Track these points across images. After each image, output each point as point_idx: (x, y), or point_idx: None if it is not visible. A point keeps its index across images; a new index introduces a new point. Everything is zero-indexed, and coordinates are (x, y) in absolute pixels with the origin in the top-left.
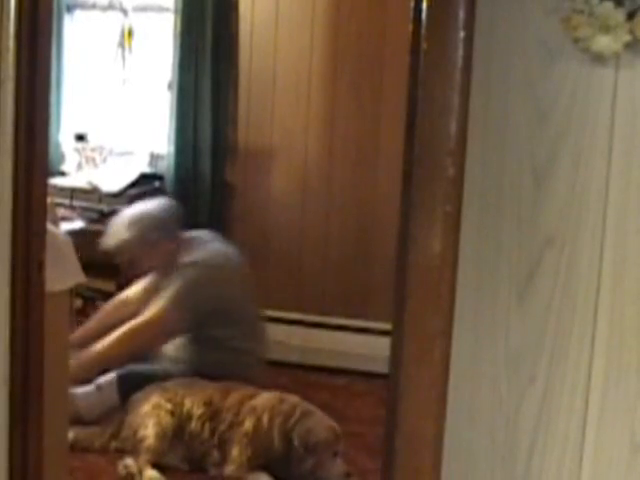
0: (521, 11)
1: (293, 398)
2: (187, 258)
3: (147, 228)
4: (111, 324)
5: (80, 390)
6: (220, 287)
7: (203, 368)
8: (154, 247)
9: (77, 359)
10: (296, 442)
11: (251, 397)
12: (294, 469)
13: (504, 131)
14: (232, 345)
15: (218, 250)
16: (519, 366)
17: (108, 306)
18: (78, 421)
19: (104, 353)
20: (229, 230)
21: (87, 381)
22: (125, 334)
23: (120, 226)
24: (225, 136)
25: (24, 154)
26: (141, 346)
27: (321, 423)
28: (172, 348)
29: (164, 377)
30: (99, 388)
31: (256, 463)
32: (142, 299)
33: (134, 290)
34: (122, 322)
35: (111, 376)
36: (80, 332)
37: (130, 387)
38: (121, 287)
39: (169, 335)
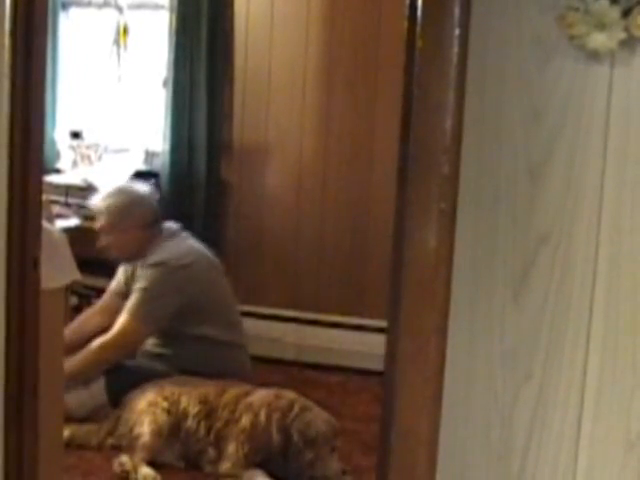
0: (516, 8)
1: (290, 394)
2: (154, 257)
3: (124, 207)
4: (84, 335)
5: (71, 395)
6: (189, 286)
7: (189, 365)
8: (125, 232)
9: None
10: (295, 436)
11: (247, 394)
12: (292, 464)
13: (499, 128)
14: (214, 340)
15: (184, 248)
16: (514, 363)
17: (78, 320)
18: (68, 418)
19: (73, 372)
20: (224, 227)
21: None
22: (93, 352)
23: (104, 194)
24: (220, 134)
25: (19, 151)
26: (109, 361)
27: (319, 417)
28: (156, 345)
29: (152, 373)
30: (86, 384)
31: (253, 460)
32: (110, 305)
33: (103, 298)
34: (93, 332)
35: (100, 380)
36: None
37: (118, 383)
38: None
39: (137, 345)
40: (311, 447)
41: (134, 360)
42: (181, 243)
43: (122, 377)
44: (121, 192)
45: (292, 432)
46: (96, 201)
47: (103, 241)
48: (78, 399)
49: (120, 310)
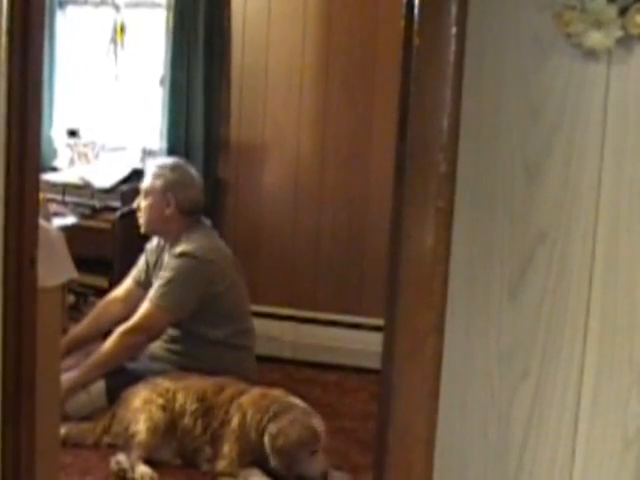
0: (513, 7)
1: (275, 393)
2: (184, 247)
3: (175, 182)
4: (102, 324)
5: (71, 401)
6: (212, 283)
7: (194, 365)
8: (163, 206)
9: (79, 369)
10: (266, 441)
11: (241, 393)
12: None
13: (496, 127)
14: (225, 344)
15: (215, 244)
16: (511, 362)
17: (98, 307)
18: (65, 419)
19: (101, 361)
20: (221, 225)
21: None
22: (118, 339)
23: (162, 161)
24: (217, 132)
25: (16, 150)
26: (135, 347)
27: (296, 422)
28: (162, 346)
29: (153, 375)
30: (89, 396)
31: (246, 460)
32: (131, 293)
33: (123, 286)
34: (113, 320)
35: (100, 384)
36: (72, 335)
37: (118, 386)
38: (113, 283)
39: (160, 332)
40: (279, 454)
41: (134, 363)
42: (210, 239)
43: (122, 380)
44: (179, 168)
45: (265, 436)
46: (152, 163)
47: (140, 202)
48: (77, 402)
49: (141, 298)
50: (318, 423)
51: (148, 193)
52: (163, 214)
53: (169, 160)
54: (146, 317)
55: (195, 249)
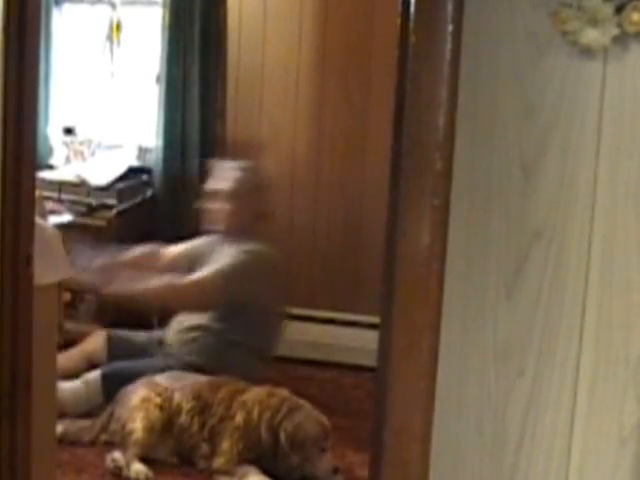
0: (509, 5)
1: (282, 392)
2: (248, 245)
3: (260, 189)
4: (141, 267)
5: (67, 385)
6: (263, 284)
7: (201, 361)
8: (244, 211)
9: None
10: (282, 438)
11: (242, 391)
12: (280, 464)
13: (492, 124)
14: (243, 343)
15: (271, 253)
16: (507, 359)
17: (143, 250)
18: (62, 415)
19: (139, 296)
20: None
21: (75, 376)
22: (159, 286)
23: (243, 164)
24: (213, 130)
25: (12, 147)
26: (168, 302)
27: (309, 418)
28: (177, 334)
29: (150, 373)
30: (86, 384)
31: (246, 457)
32: (177, 260)
33: (172, 250)
34: (152, 272)
35: (96, 373)
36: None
37: (114, 385)
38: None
39: (201, 304)
40: (298, 450)
41: (131, 360)
42: (263, 244)
43: (120, 380)
44: (254, 171)
45: (280, 433)
46: (231, 164)
47: (219, 205)
48: (75, 397)
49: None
50: (326, 421)
51: (229, 196)
52: (243, 221)
53: (247, 164)
54: (198, 283)
55: (260, 250)
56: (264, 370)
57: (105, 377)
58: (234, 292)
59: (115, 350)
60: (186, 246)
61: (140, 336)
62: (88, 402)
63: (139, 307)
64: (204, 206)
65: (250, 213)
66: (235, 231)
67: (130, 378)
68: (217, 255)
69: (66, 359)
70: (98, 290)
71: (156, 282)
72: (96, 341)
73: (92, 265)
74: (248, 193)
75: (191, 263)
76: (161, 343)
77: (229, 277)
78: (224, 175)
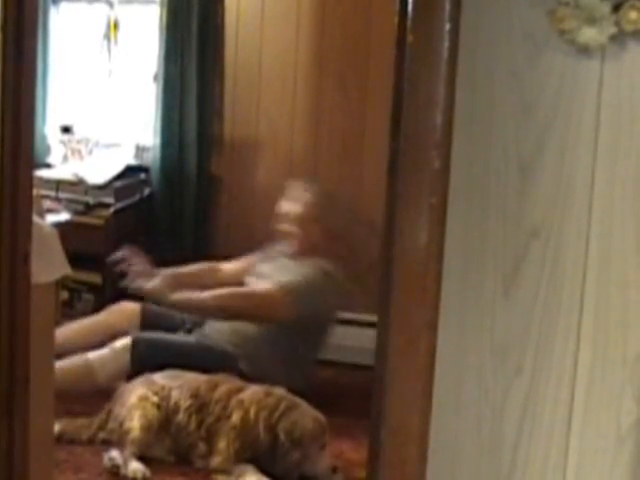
0: (507, 3)
1: (279, 391)
2: (328, 266)
3: (339, 214)
4: (201, 281)
5: (95, 354)
6: (333, 305)
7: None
8: (322, 233)
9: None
10: (281, 436)
11: (239, 390)
12: (280, 463)
13: (490, 123)
14: (295, 357)
15: (339, 273)
16: (505, 358)
17: (200, 266)
18: (92, 387)
19: (195, 302)
20: (214, 222)
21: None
22: (222, 295)
23: (322, 189)
24: (211, 128)
25: (10, 146)
26: (229, 311)
27: (307, 416)
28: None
29: (179, 351)
30: (114, 351)
31: (243, 456)
32: (237, 275)
33: (231, 265)
34: (209, 285)
35: (126, 340)
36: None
37: (143, 353)
38: (106, 279)
39: (267, 316)
40: (298, 447)
41: (165, 334)
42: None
43: (149, 349)
44: (335, 199)
45: (278, 431)
46: (304, 185)
47: (289, 227)
48: (102, 360)
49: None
50: (323, 419)
51: (307, 218)
52: (318, 242)
53: (315, 186)
54: (264, 293)
55: (335, 270)
56: (309, 378)
57: (135, 343)
58: (303, 308)
59: (148, 325)
60: (244, 262)
61: (176, 315)
62: (117, 368)
63: (206, 313)
64: (277, 227)
65: (319, 236)
66: (304, 253)
67: (159, 348)
68: (281, 271)
69: (87, 330)
70: (166, 297)
71: (224, 290)
72: (124, 313)
73: (157, 274)
74: (319, 217)
75: (251, 278)
76: (199, 325)
77: (300, 292)
78: (297, 196)
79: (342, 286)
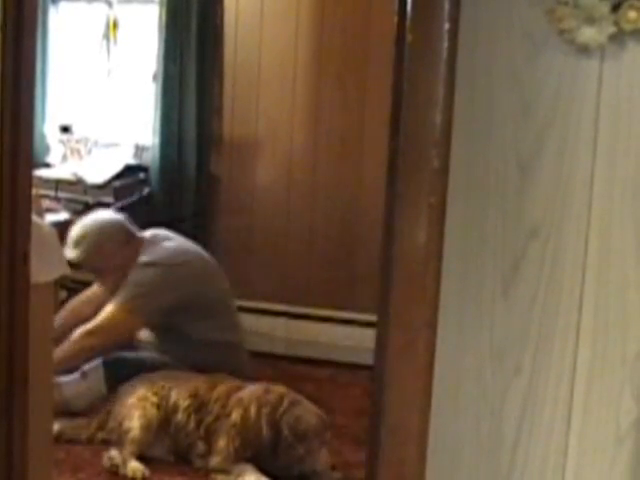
0: (506, 3)
1: (279, 388)
2: (144, 258)
3: (94, 244)
4: (73, 323)
5: (65, 379)
6: (182, 285)
7: (188, 362)
8: (109, 257)
9: None
10: (285, 430)
11: (238, 389)
12: (282, 459)
13: (489, 123)
14: (211, 338)
15: (177, 248)
16: (504, 357)
17: (71, 304)
18: (65, 412)
19: (58, 360)
20: (213, 221)
21: (70, 370)
22: (77, 340)
23: (67, 246)
24: (210, 128)
25: (9, 145)
26: (94, 349)
27: (310, 411)
28: (156, 341)
29: (151, 365)
30: (84, 376)
31: (243, 455)
32: (100, 299)
33: (94, 289)
34: (84, 321)
35: (96, 363)
36: None
37: (116, 374)
38: None
39: (123, 336)
40: (302, 441)
41: (134, 352)
42: (170, 244)
43: (121, 369)
44: (88, 231)
45: (282, 426)
46: (69, 250)
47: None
48: (76, 391)
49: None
50: (324, 415)
51: (88, 270)
52: (113, 262)
53: (76, 232)
54: (109, 319)
55: (155, 258)
56: (249, 364)
57: (106, 366)
58: (146, 304)
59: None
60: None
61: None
62: (89, 393)
63: (78, 360)
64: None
65: (111, 265)
66: (117, 278)
67: (131, 367)
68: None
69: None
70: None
71: (71, 341)
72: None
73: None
74: (97, 260)
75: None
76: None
77: (134, 296)
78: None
79: (170, 267)
